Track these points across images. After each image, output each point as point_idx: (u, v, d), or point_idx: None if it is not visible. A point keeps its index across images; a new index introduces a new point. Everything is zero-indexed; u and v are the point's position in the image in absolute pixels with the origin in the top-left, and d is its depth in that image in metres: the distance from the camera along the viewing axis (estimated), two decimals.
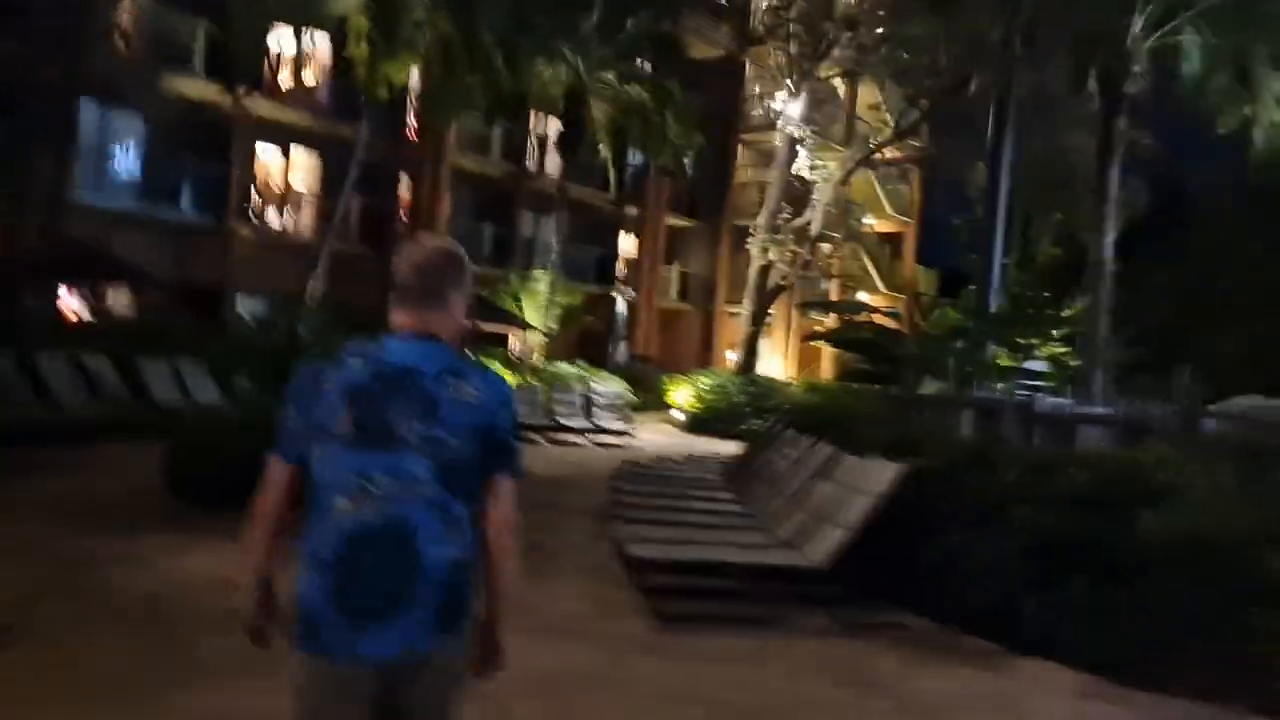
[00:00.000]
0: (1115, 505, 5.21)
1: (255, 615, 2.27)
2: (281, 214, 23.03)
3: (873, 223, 34.10)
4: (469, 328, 2.74)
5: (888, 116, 31.53)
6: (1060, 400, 8.39)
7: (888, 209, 34.39)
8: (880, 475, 6.28)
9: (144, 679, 4.35)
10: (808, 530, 6.57)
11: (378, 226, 24.00)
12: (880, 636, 5.81)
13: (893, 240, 36.89)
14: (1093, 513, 5.28)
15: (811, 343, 32.58)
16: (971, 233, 37.88)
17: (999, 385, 9.69)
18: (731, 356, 32.58)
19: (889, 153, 28.47)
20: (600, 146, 21.65)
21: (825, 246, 26.91)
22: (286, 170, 23.34)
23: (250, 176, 22.53)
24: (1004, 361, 9.51)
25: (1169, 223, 27.61)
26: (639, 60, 21.50)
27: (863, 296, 36.50)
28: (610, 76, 19.96)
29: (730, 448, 19.66)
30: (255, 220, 22.14)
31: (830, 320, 33.85)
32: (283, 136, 23.02)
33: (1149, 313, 16.59)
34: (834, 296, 33.34)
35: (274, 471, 2.21)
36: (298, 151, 23.66)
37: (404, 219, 24.19)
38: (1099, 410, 7.81)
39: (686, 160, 21.98)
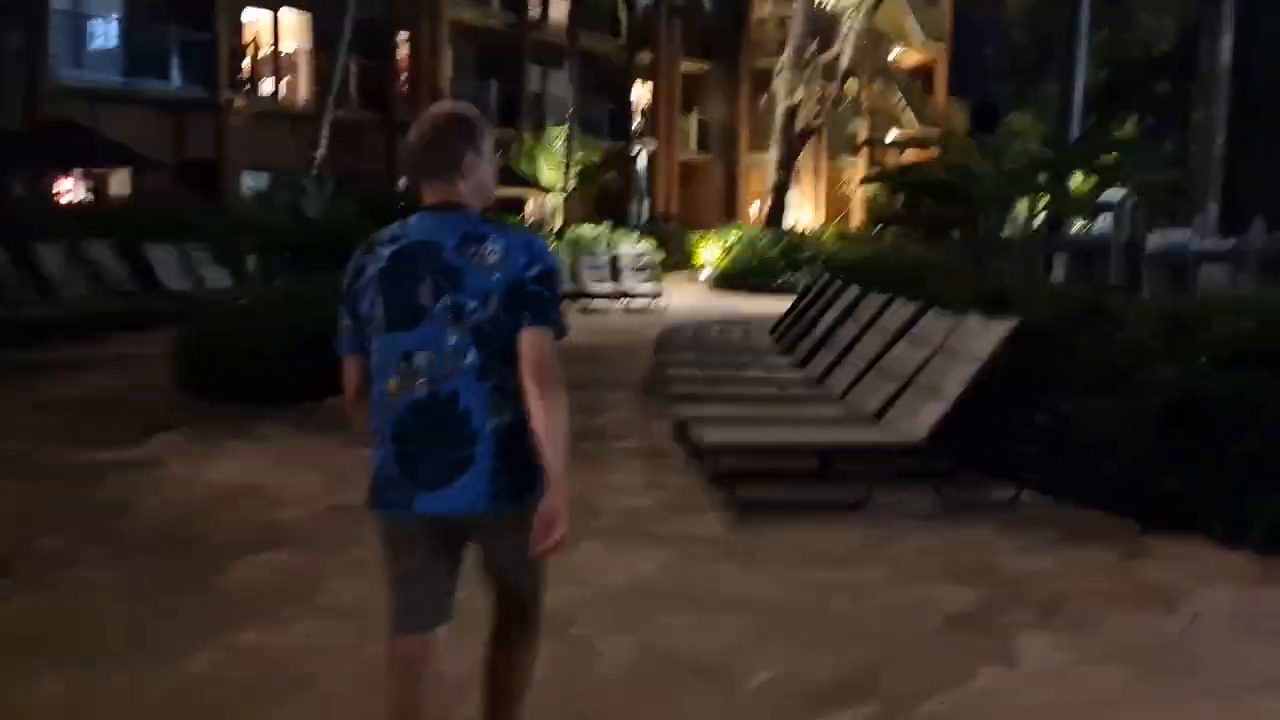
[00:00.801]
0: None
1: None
2: (276, 81, 21.67)
3: (900, 53, 32.11)
4: (492, 189, 2.37)
5: None
6: (1173, 235, 7.42)
7: (917, 37, 32.28)
8: (983, 336, 5.44)
9: (159, 625, 3.69)
10: (897, 401, 5.80)
11: (378, 90, 22.65)
12: (991, 517, 5.11)
13: (923, 72, 34.83)
14: (1252, 367, 4.45)
15: (860, 185, 31.25)
16: (1011, 59, 35.84)
17: (1085, 223, 8.77)
18: (757, 209, 31.38)
19: None
20: None
21: (851, 83, 25.29)
22: (276, 33, 21.83)
23: (239, 42, 21.10)
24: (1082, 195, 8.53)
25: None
26: None
27: (892, 135, 34.87)
28: None
29: (768, 305, 18.84)
30: (249, 89, 20.83)
31: (862, 165, 32.43)
32: None
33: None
34: (863, 136, 31.77)
35: (346, 368, 2.31)
36: (287, 12, 22.10)
37: (404, 80, 22.73)
38: (1224, 245, 6.84)
39: None
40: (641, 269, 18.03)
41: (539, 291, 2.16)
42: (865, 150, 31.99)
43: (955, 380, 5.37)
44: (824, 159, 29.43)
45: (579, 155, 20.80)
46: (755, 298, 20.51)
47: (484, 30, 25.24)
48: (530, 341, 2.14)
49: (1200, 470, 4.56)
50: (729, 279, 21.86)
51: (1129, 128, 30.84)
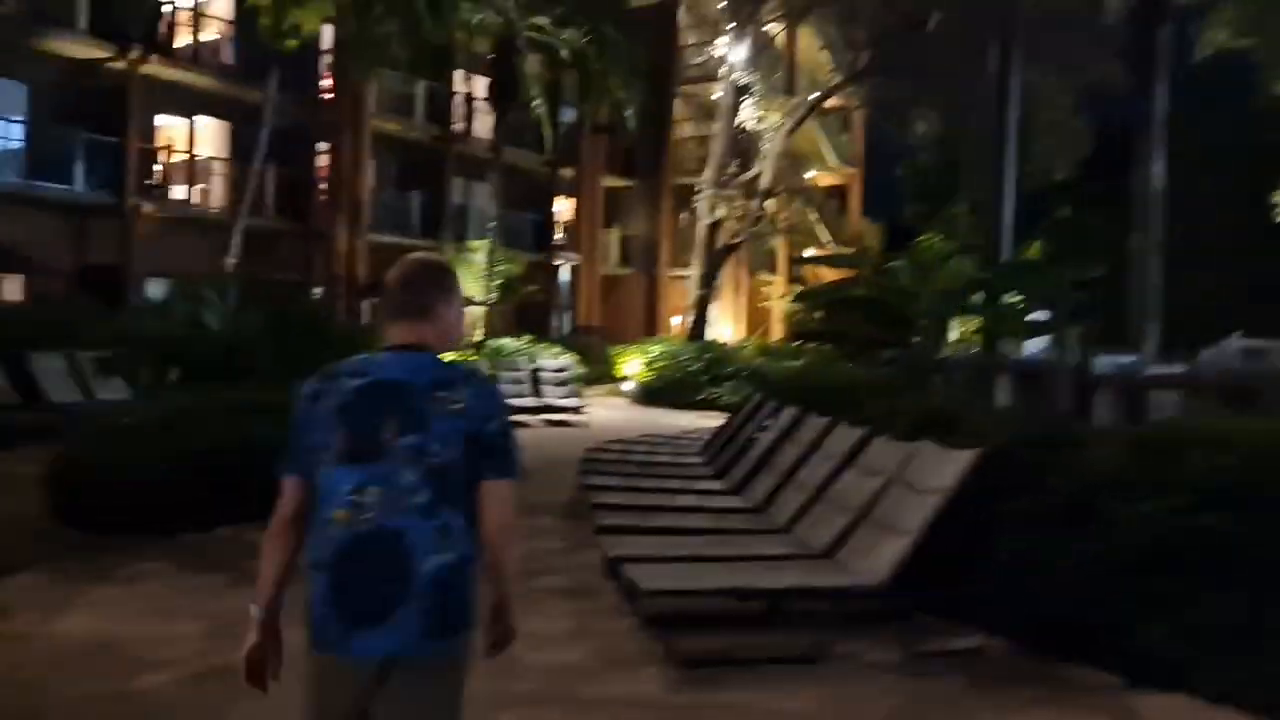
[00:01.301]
0: (1271, 498, 4.05)
1: (254, 649, 2.28)
2: (190, 188, 21.01)
3: (815, 175, 33.06)
4: (461, 334, 2.54)
5: (830, 64, 30.42)
6: (1122, 359, 7.29)
7: (831, 160, 33.32)
8: (943, 465, 5.06)
9: None
10: (850, 536, 5.35)
11: (295, 198, 22.15)
12: (961, 670, 4.62)
13: (837, 193, 35.90)
14: (1239, 507, 4.12)
15: (791, 301, 31.46)
16: (916, 182, 37.24)
17: (1022, 343, 8.63)
18: (678, 322, 31.39)
19: (831, 101, 27.35)
20: (535, 101, 20.00)
21: (771, 201, 25.70)
22: (192, 140, 21.29)
23: (151, 148, 20.47)
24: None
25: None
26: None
27: (809, 253, 35.58)
28: (542, 22, 18.24)
29: (693, 420, 18.52)
30: (159, 196, 20.10)
31: (781, 281, 32.90)
32: (186, 103, 20.97)
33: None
34: (781, 254, 32.32)
35: (284, 488, 2.30)
36: (204, 119, 21.62)
37: (323, 189, 22.30)
38: (1178, 370, 6.69)
39: (628, 113, 20.46)
40: (563, 383, 17.57)
41: (502, 444, 2.24)
42: (784, 266, 32.54)
43: (915, 514, 4.95)
44: (744, 274, 29.73)
45: (501, 268, 20.49)
46: (679, 413, 20.14)
47: (407, 142, 25.12)
48: (496, 494, 2.22)
49: (1186, 621, 4.17)
50: (652, 393, 21.51)
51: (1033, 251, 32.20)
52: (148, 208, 19.30)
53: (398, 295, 2.33)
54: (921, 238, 31.25)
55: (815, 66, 31.62)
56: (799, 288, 32.54)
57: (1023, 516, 5.02)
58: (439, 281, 2.37)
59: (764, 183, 22.89)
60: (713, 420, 18.55)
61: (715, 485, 8.22)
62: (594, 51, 18.18)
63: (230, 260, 16.29)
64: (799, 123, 22.83)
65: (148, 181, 19.79)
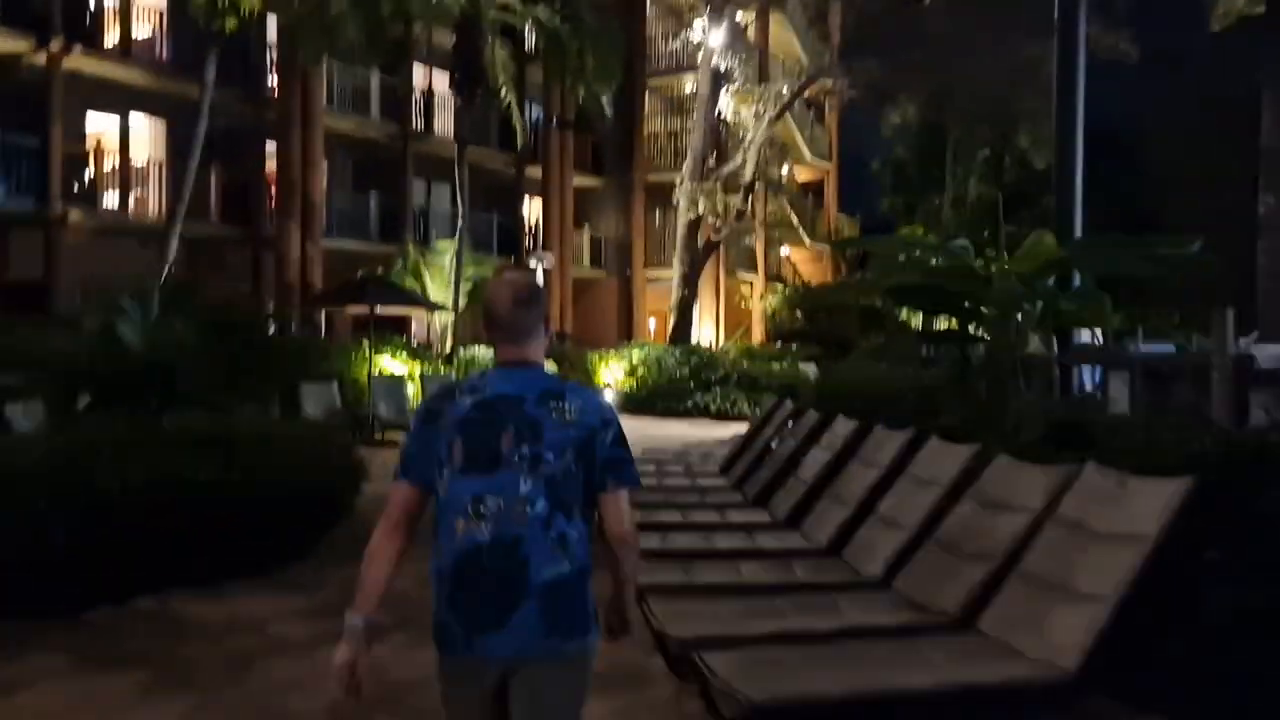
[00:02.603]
0: None
1: (349, 662, 2.30)
2: (124, 194, 19.18)
3: (791, 169, 31.82)
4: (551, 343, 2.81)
5: (802, 54, 29.23)
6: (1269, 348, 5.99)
7: (807, 155, 32.12)
8: (1137, 504, 3.65)
9: None
10: (991, 594, 3.93)
11: (243, 202, 20.40)
12: None
13: (813, 188, 34.74)
14: None
15: (760, 301, 30.15)
16: (894, 175, 36.19)
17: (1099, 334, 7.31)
18: (654, 326, 29.97)
19: (806, 93, 26.11)
20: (502, 92, 18.43)
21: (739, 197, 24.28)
22: (125, 141, 19.47)
23: (80, 150, 18.63)
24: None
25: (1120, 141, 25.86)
26: None
27: (785, 250, 34.38)
28: (510, 1, 16.65)
29: (687, 431, 17.11)
30: (89, 203, 18.26)
31: (760, 286, 31.59)
32: (118, 100, 19.19)
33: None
34: (760, 252, 31.04)
35: (397, 491, 2.41)
36: (139, 118, 19.83)
37: (272, 192, 20.56)
38: None
39: (605, 100, 18.96)
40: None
41: (620, 454, 2.38)
42: (764, 264, 31.26)
43: (1104, 571, 3.53)
44: (723, 274, 28.37)
45: (469, 271, 18.92)
46: (668, 422, 18.74)
47: (363, 141, 23.44)
48: (616, 504, 2.36)
49: None
50: (636, 401, 20.07)
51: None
52: (76, 216, 17.47)
53: (505, 317, 2.42)
54: (904, 230, 30.18)
55: (789, 57, 30.44)
56: (779, 286, 31.32)
57: (1241, 568, 3.64)
58: (537, 301, 2.46)
59: (746, 175, 21.51)
60: (709, 429, 17.27)
61: (756, 517, 6.77)
62: (568, 30, 16.64)
63: (168, 269, 14.52)
64: (784, 109, 21.51)
65: (76, 185, 17.94)
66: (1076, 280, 7.17)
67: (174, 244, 14.57)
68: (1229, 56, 18.02)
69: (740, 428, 17.34)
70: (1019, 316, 6.89)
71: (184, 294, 7.74)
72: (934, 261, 7.73)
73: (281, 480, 6.55)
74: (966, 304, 7.22)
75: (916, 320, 31.26)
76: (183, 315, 7.36)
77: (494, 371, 2.42)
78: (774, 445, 8.19)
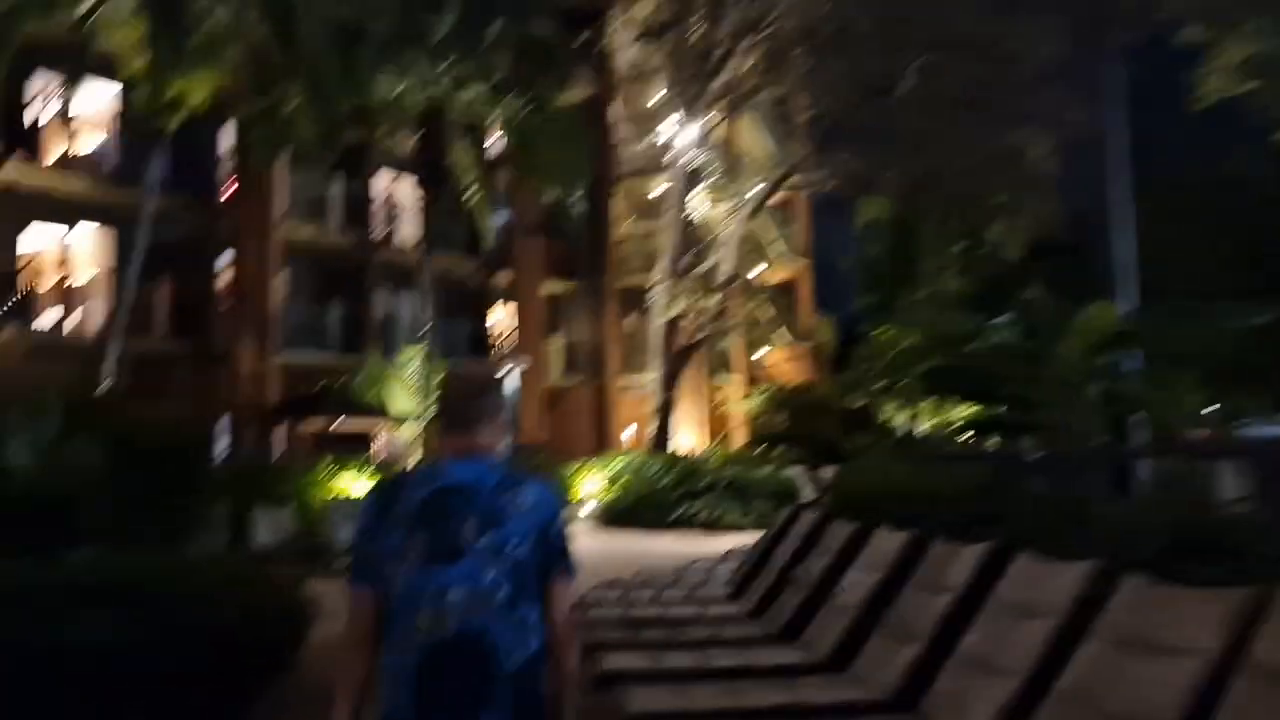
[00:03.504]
0: None
1: None
2: (66, 311, 17.97)
3: (765, 269, 31.28)
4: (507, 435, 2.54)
5: (771, 151, 28.98)
6: None
7: (782, 253, 31.61)
8: None
9: None
10: None
11: (194, 315, 19.22)
12: None
13: (787, 288, 34.17)
14: None
15: (740, 403, 29.07)
16: (867, 272, 35.77)
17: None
18: (630, 435, 28.78)
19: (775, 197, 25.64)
20: (469, 191, 17.60)
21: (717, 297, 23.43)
22: (66, 254, 18.36)
23: (14, 263, 17.48)
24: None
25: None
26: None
27: (764, 350, 33.59)
28: (474, 94, 15.91)
29: (675, 547, 15.74)
30: (23, 320, 17.01)
31: (740, 388, 30.64)
32: (61, 211, 18.14)
33: None
34: (738, 353, 30.17)
35: (357, 602, 2.33)
36: (84, 229, 18.77)
37: (228, 303, 19.40)
38: None
39: (577, 197, 18.19)
40: None
41: (565, 544, 2.40)
42: (743, 366, 30.37)
43: None
44: (703, 377, 27.38)
45: (438, 379, 17.72)
46: (655, 536, 17.37)
47: (324, 250, 22.50)
48: (563, 593, 2.37)
49: None
50: (618, 514, 18.73)
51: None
52: (7, 334, 16.20)
53: (458, 407, 2.46)
54: (880, 328, 29.48)
55: (757, 155, 30.20)
56: (761, 388, 30.37)
57: None
58: (493, 392, 2.55)
59: (723, 273, 20.72)
60: (700, 543, 15.88)
61: (788, 656, 5.50)
62: (536, 124, 15.90)
63: (104, 388, 13.20)
64: (763, 200, 20.85)
65: (9, 301, 16.72)
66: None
67: (112, 360, 13.31)
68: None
69: (732, 540, 16.04)
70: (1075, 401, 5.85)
71: (91, 409, 6.48)
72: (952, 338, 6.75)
73: (196, 635, 5.23)
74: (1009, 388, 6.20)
75: (900, 419, 30.46)
76: (89, 434, 6.10)
77: (448, 461, 2.40)
78: (787, 561, 6.94)
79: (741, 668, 5.32)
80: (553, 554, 2.34)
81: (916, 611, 4.81)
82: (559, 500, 2.44)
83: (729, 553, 11.75)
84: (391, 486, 2.41)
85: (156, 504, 6.80)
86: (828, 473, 24.13)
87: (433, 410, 18.57)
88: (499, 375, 3.15)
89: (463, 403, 2.45)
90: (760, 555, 7.93)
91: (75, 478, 5.94)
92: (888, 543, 5.62)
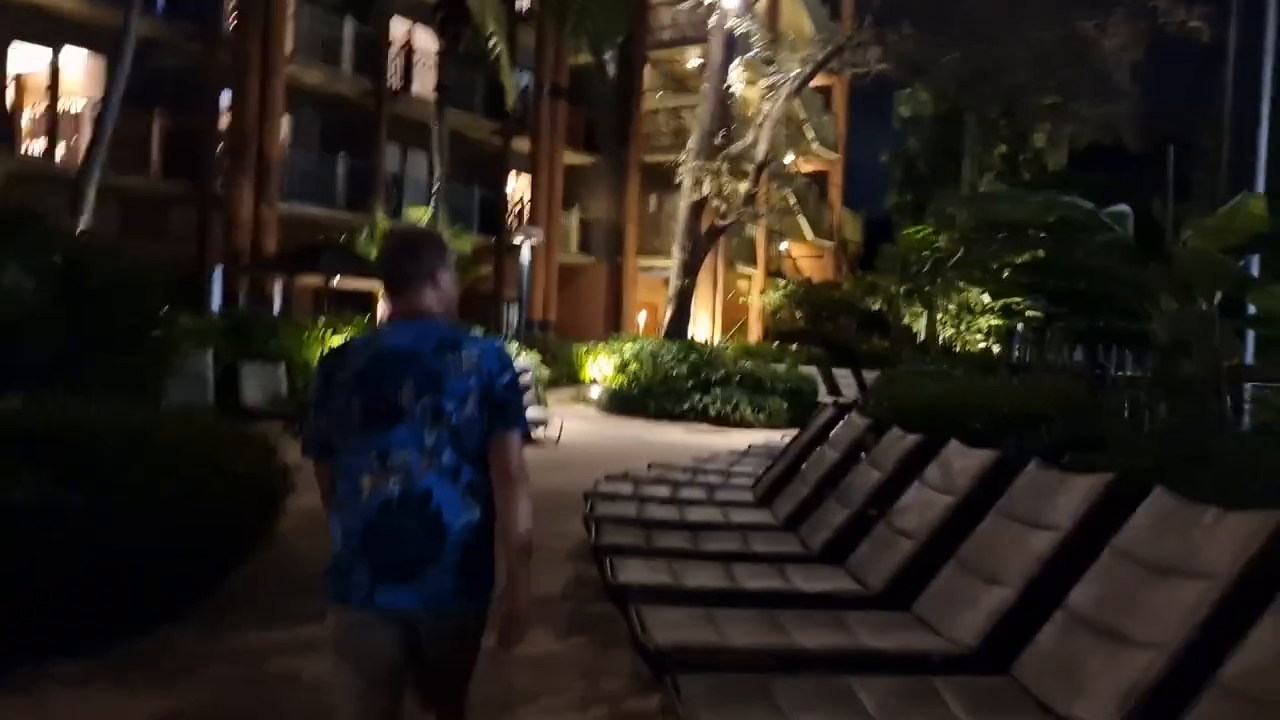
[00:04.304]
0: None
1: None
2: (51, 140, 16.82)
3: (796, 158, 29.76)
4: (455, 300, 2.49)
5: (813, 32, 27.15)
6: None
7: (814, 144, 30.05)
8: None
9: None
10: None
11: (190, 155, 18.05)
12: None
13: (817, 180, 32.69)
14: None
15: (759, 296, 28.06)
16: (905, 167, 34.13)
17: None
18: (643, 319, 27.88)
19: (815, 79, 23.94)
20: (491, 40, 16.16)
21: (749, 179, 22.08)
22: (55, 80, 17.08)
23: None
24: None
25: None
26: None
27: (785, 245, 32.39)
28: None
29: (686, 436, 15.02)
30: (6, 146, 15.88)
31: (759, 281, 29.54)
32: (48, 31, 16.79)
33: None
34: (760, 245, 28.99)
35: (317, 471, 2.45)
36: (73, 53, 17.45)
37: (226, 146, 18.18)
38: None
39: (608, 59, 16.76)
40: (525, 389, 13.90)
41: (510, 398, 2.33)
42: (763, 258, 29.23)
43: None
44: (721, 266, 26.28)
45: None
46: (662, 426, 16.63)
47: (333, 97, 21.12)
48: (504, 445, 2.31)
49: None
50: (626, 400, 17.94)
51: None
52: None
53: (395, 265, 2.39)
54: (912, 228, 28.17)
55: (798, 35, 28.35)
56: (781, 283, 29.29)
57: None
58: (436, 250, 2.43)
59: (759, 154, 19.37)
60: (711, 436, 15.11)
61: (833, 583, 4.66)
62: None
63: (81, 223, 12.16)
64: (809, 77, 19.29)
65: None
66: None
67: (90, 193, 12.27)
68: None
69: (744, 436, 15.32)
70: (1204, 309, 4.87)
71: (30, 227, 5.50)
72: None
73: (154, 501, 4.42)
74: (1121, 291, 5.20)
75: (919, 325, 29.45)
76: (24, 258, 5.15)
77: (387, 325, 2.38)
78: (829, 470, 6.06)
79: (779, 593, 4.49)
80: (495, 410, 2.29)
81: (1004, 549, 3.91)
82: (503, 357, 2.37)
83: (749, 449, 11.00)
84: (335, 354, 2.39)
85: (112, 346, 5.90)
86: (844, 372, 23.40)
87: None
88: (433, 232, 2.52)
89: (400, 262, 2.39)
90: (793, 459, 7.08)
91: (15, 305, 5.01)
92: (963, 461, 4.71)
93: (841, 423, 6.72)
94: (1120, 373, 5.81)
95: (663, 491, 7.23)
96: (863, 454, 6.00)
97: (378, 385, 2.26)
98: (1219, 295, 4.91)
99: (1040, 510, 3.92)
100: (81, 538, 4.12)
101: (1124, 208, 5.26)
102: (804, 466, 6.73)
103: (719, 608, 4.11)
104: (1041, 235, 6.24)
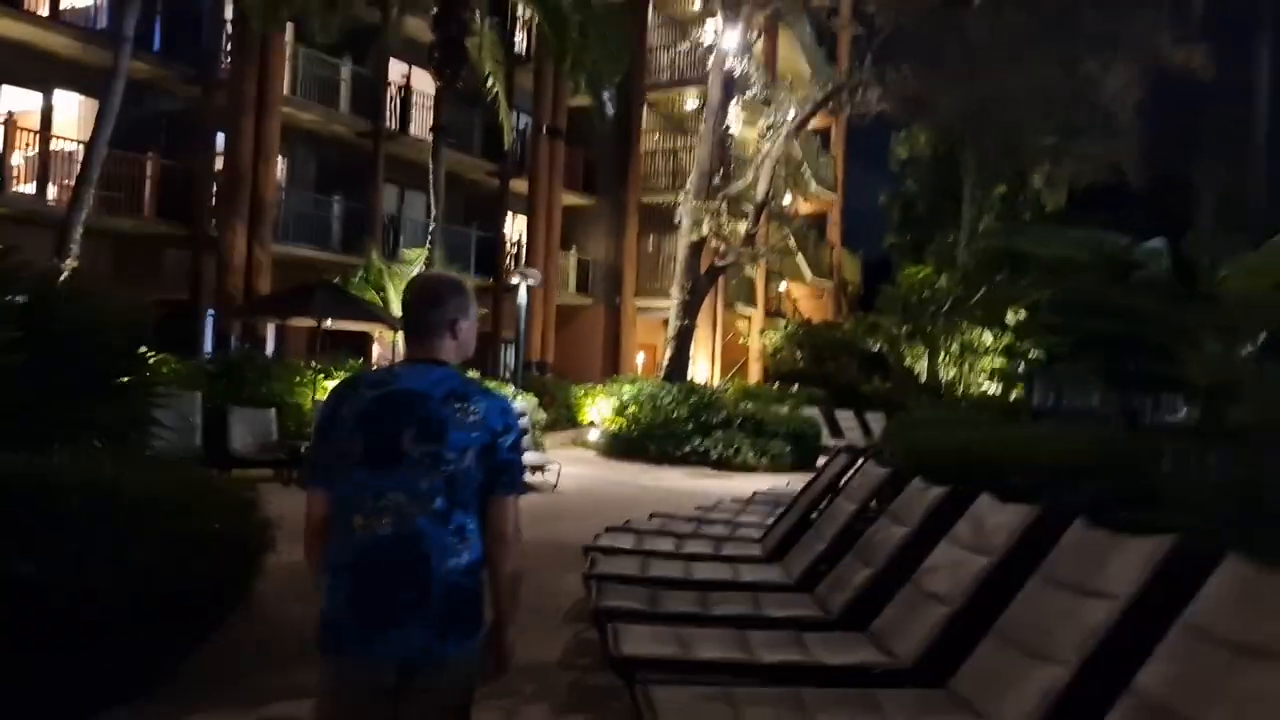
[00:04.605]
0: None
1: None
2: (41, 180, 16.56)
3: (794, 199, 29.61)
4: (472, 350, 2.54)
5: (811, 72, 27.14)
6: None
7: (812, 184, 29.92)
8: None
9: None
10: None
11: (184, 196, 17.81)
12: None
13: (815, 220, 32.53)
14: None
15: (759, 337, 27.76)
16: (902, 210, 34.03)
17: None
18: (642, 361, 27.56)
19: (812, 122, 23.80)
20: (488, 80, 15.98)
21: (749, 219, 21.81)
22: (46, 122, 16.89)
23: None
24: None
25: None
26: None
27: (784, 285, 32.17)
28: None
29: (687, 481, 14.60)
30: None
31: (759, 321, 29.24)
32: (40, 73, 16.63)
33: None
34: (760, 285, 28.74)
35: (311, 504, 2.39)
36: (65, 96, 17.27)
37: (220, 187, 17.94)
38: None
39: (607, 96, 16.59)
40: (522, 432, 13.49)
41: (513, 460, 2.38)
42: (763, 298, 28.96)
43: None
44: (720, 306, 25.99)
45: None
46: (663, 470, 16.23)
47: (329, 138, 20.95)
48: (502, 510, 2.35)
49: None
50: (625, 444, 17.54)
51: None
52: None
53: (416, 311, 2.42)
54: (913, 268, 27.94)
55: (795, 78, 28.34)
56: (781, 323, 29.01)
57: None
58: (459, 299, 2.45)
59: (758, 194, 19.15)
60: (713, 481, 14.67)
61: (860, 654, 4.25)
62: (571, 3, 14.18)
63: (67, 264, 11.82)
64: (803, 123, 19.15)
65: None
66: None
67: (77, 233, 11.96)
68: None
69: (748, 481, 14.88)
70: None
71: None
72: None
73: (116, 567, 4.02)
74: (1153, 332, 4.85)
75: (920, 366, 29.12)
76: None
77: (401, 367, 2.41)
78: (845, 523, 5.67)
79: (800, 666, 4.08)
80: (497, 469, 2.33)
81: (1052, 619, 3.53)
82: (510, 415, 2.40)
83: (754, 496, 10.59)
84: (345, 387, 2.41)
85: (79, 392, 5.53)
86: (846, 414, 23.01)
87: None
88: (458, 281, 2.41)
89: (422, 310, 2.42)
90: (804, 510, 6.68)
91: None
92: (998, 517, 4.33)
93: (856, 470, 6.33)
94: (1150, 419, 5.51)
95: (666, 545, 6.83)
96: (873, 503, 5.63)
97: (381, 425, 2.28)
98: (1263, 336, 4.58)
99: (1090, 575, 3.53)
100: (33, 610, 3.72)
101: (1158, 243, 4.93)
102: (815, 517, 6.34)
103: (735, 685, 3.71)
104: (1062, 273, 5.90)
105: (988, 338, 27.60)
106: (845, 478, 6.69)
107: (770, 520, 8.16)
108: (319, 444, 2.38)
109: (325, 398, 2.38)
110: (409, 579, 2.22)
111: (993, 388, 28.03)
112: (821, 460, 18.41)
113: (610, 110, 17.24)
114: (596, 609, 4.85)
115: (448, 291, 2.45)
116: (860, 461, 6.76)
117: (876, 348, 28.00)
